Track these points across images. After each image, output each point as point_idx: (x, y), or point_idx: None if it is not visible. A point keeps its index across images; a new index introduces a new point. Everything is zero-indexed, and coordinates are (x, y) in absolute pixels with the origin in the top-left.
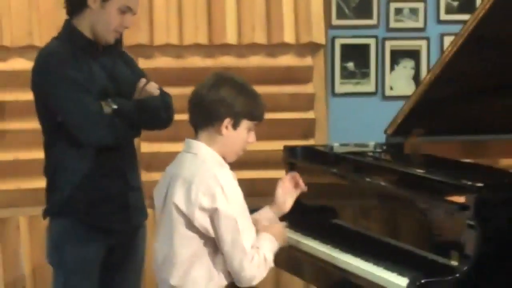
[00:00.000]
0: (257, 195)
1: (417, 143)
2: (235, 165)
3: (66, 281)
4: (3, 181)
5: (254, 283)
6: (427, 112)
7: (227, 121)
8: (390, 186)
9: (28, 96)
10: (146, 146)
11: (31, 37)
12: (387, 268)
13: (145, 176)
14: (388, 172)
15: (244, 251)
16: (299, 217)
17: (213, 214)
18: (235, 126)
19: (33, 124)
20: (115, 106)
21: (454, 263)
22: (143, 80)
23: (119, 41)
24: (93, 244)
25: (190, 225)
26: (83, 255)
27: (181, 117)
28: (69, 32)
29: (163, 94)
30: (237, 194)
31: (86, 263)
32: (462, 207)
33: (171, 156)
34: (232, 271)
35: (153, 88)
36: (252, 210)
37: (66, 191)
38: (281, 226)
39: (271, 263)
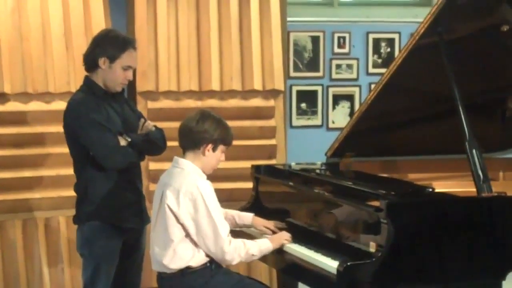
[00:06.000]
0: (233, 200)
1: (348, 163)
2: (219, 178)
3: (96, 266)
4: (49, 190)
5: (234, 262)
6: (356, 140)
7: (209, 146)
8: (329, 194)
9: None
10: (153, 165)
11: (69, 86)
12: (324, 254)
13: (152, 186)
14: (328, 184)
15: (222, 239)
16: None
17: (196, 216)
18: (214, 149)
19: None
20: (129, 139)
21: (372, 250)
22: (142, 120)
23: (123, 91)
24: (116, 239)
25: (178, 220)
26: (109, 247)
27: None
28: (88, 85)
29: (159, 129)
30: (213, 198)
31: (110, 253)
32: (378, 209)
33: None
34: (215, 256)
35: (150, 125)
36: None
37: (96, 202)
38: (283, 234)
39: (252, 254)
